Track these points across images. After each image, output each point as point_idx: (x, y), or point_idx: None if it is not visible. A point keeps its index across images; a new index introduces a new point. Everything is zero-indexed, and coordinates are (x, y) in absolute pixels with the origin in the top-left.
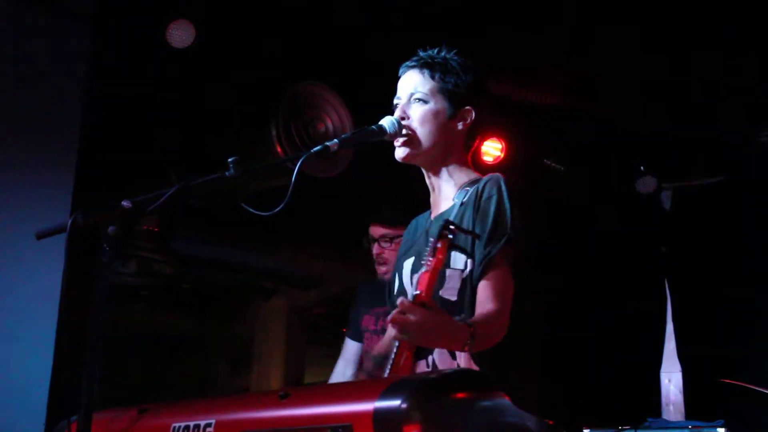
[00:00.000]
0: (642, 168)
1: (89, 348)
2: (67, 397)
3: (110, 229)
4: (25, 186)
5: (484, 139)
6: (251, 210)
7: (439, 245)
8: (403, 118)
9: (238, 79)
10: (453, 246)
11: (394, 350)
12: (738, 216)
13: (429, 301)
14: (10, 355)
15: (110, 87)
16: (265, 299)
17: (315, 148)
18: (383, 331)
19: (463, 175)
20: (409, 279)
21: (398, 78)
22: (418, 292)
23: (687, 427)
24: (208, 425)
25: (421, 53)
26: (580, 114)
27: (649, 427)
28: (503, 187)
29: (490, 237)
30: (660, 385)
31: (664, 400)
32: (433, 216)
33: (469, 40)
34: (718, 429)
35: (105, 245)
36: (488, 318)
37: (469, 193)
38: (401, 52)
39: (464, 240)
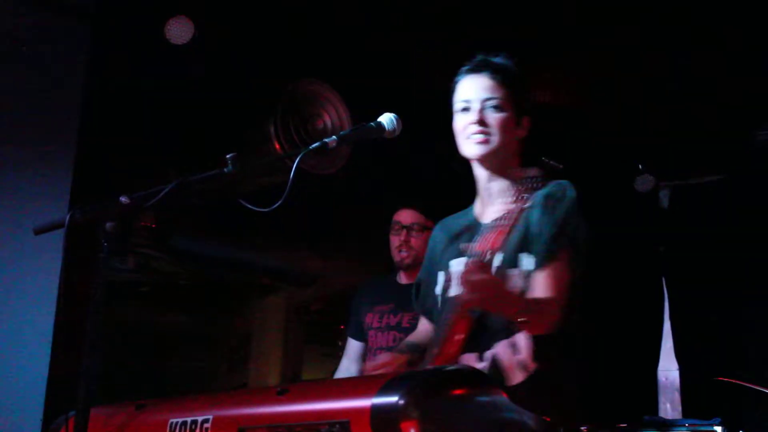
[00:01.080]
0: (640, 166)
1: (87, 344)
2: (64, 392)
3: (108, 225)
4: (24, 182)
5: None
6: (249, 206)
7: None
8: (480, 123)
9: (236, 77)
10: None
11: (447, 328)
12: (736, 214)
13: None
14: (8, 351)
15: (108, 84)
16: (263, 296)
17: (313, 145)
18: (387, 327)
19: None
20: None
21: (458, 75)
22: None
23: (684, 425)
24: (206, 421)
25: (487, 57)
26: (578, 112)
27: (646, 425)
28: (569, 193)
29: (555, 235)
30: (657, 383)
31: (661, 397)
32: (485, 219)
33: (469, 39)
34: (715, 427)
35: (103, 241)
36: (541, 300)
37: (534, 197)
38: (400, 50)
39: (531, 243)
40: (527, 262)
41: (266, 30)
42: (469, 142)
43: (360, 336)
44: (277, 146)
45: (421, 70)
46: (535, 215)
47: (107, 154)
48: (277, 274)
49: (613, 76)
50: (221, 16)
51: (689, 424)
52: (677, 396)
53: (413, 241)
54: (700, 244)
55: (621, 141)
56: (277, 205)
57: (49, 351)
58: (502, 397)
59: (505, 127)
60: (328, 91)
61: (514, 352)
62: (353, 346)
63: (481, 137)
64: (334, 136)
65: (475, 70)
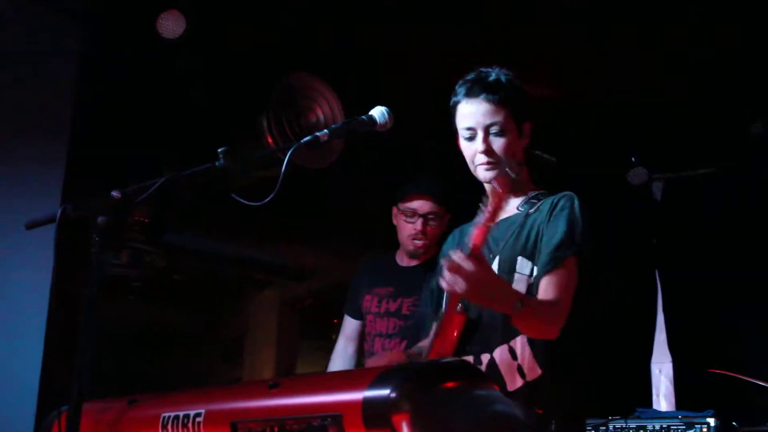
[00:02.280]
0: (633, 159)
1: (80, 339)
2: (57, 387)
3: (100, 219)
4: (17, 177)
5: None
6: (242, 200)
7: (497, 187)
8: (487, 152)
9: (229, 70)
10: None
11: (439, 325)
12: (729, 207)
13: (482, 257)
14: (0, 346)
15: (101, 78)
16: (257, 291)
17: (305, 138)
18: (387, 313)
19: (525, 187)
20: None
21: (455, 95)
22: (471, 245)
23: (677, 417)
24: (198, 415)
25: (480, 76)
26: (571, 105)
27: (639, 417)
28: (576, 204)
29: (560, 244)
30: (650, 376)
31: (654, 390)
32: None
33: (464, 32)
34: (708, 419)
35: (95, 236)
36: (543, 301)
37: (539, 204)
38: (393, 44)
39: (531, 248)
40: (525, 266)
41: (259, 24)
42: (479, 168)
43: (357, 315)
44: (270, 140)
45: (414, 64)
46: (541, 222)
47: (100, 149)
48: (271, 269)
49: (607, 69)
50: (213, 10)
51: (682, 416)
52: (670, 388)
53: (429, 230)
54: (693, 237)
55: (614, 134)
56: (269, 198)
57: (41, 346)
58: (494, 390)
59: (509, 149)
60: (320, 85)
61: (512, 356)
62: (350, 324)
63: (489, 165)
64: (325, 130)
65: (472, 93)
